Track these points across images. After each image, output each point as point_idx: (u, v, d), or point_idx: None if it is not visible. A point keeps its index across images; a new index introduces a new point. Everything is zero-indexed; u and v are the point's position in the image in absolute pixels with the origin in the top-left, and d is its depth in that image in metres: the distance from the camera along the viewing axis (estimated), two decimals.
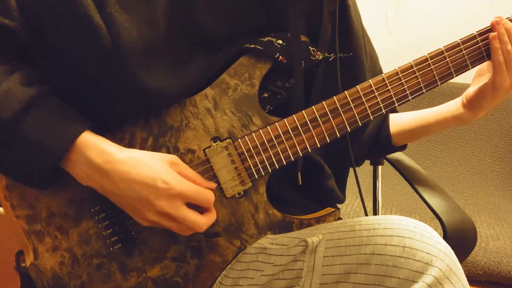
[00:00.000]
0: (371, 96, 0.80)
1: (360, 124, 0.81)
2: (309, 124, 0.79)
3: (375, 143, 1.03)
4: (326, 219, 0.84)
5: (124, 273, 0.77)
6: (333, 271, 0.73)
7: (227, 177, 0.78)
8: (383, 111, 0.81)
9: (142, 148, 0.75)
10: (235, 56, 0.80)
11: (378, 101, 0.81)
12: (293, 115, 0.79)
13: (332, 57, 0.89)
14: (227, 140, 0.78)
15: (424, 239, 0.69)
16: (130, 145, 0.75)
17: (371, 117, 0.81)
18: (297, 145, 0.79)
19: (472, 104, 0.91)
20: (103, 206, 0.75)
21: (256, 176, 0.79)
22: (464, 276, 0.69)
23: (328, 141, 0.80)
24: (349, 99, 0.80)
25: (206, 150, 0.77)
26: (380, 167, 1.20)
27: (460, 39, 0.84)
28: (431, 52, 0.83)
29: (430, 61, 0.82)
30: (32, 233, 0.73)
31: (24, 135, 0.66)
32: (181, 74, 0.75)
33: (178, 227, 0.71)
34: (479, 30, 0.85)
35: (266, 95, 0.82)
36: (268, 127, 0.79)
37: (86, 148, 0.68)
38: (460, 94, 0.95)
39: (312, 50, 0.82)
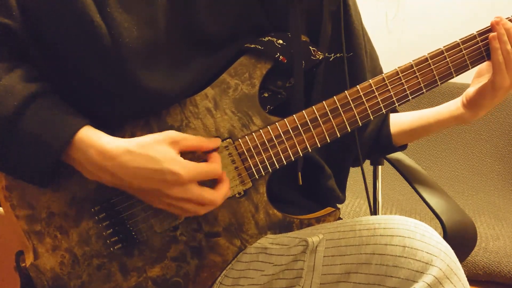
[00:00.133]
0: (371, 96, 0.81)
1: (360, 124, 0.81)
2: (309, 124, 0.79)
3: (375, 143, 1.03)
4: (326, 219, 0.84)
5: (124, 273, 0.77)
6: (333, 271, 0.73)
7: (228, 177, 0.78)
8: (383, 111, 0.81)
9: None
10: (235, 56, 0.80)
11: (378, 101, 0.81)
12: (294, 115, 0.79)
13: (333, 57, 0.89)
14: (228, 140, 0.78)
15: (424, 239, 0.69)
16: None
17: (371, 117, 0.81)
18: (297, 145, 0.79)
19: (472, 104, 0.91)
20: (103, 206, 0.75)
21: (257, 176, 0.79)
22: (464, 276, 0.69)
23: (329, 141, 0.80)
24: (349, 99, 0.80)
25: None
26: (380, 167, 1.20)
27: (460, 39, 0.84)
28: (431, 52, 0.83)
29: (430, 61, 0.82)
30: (32, 233, 0.73)
31: (23, 130, 0.66)
32: (181, 74, 0.75)
33: (193, 207, 0.71)
34: (479, 30, 0.85)
35: (266, 95, 0.82)
36: (268, 127, 0.79)
37: (84, 146, 0.67)
38: (460, 94, 0.95)
39: (313, 50, 0.82)
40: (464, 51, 0.84)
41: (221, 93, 0.79)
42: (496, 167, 2.04)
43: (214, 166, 0.72)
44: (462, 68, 0.84)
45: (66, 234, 0.74)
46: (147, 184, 0.67)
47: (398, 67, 0.82)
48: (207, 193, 0.70)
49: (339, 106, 0.80)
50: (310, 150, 0.80)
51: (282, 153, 0.79)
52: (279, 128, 0.78)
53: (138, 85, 0.70)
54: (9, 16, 0.67)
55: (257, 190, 0.80)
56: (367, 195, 0.92)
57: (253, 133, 0.78)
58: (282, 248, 0.77)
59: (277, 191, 0.86)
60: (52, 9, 0.67)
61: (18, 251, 0.77)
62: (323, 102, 0.79)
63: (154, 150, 0.67)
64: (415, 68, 0.82)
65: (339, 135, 0.80)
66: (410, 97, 0.82)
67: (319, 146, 0.80)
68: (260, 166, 0.79)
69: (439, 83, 0.83)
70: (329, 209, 0.85)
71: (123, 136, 0.74)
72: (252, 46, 0.79)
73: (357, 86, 0.80)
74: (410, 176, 1.08)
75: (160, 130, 0.76)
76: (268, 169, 0.79)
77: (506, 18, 0.85)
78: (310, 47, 0.82)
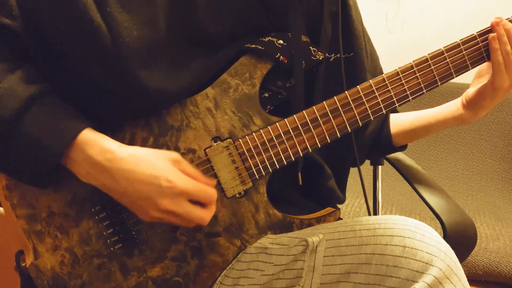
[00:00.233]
0: (372, 96, 0.81)
1: (361, 124, 0.81)
2: (309, 124, 0.79)
3: (375, 143, 1.03)
4: (327, 219, 0.84)
5: (125, 273, 0.77)
6: (333, 271, 0.73)
7: (228, 177, 0.78)
8: (384, 111, 0.81)
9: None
10: (236, 56, 0.80)
11: (378, 101, 0.81)
12: (294, 115, 0.79)
13: (333, 57, 0.89)
14: (228, 140, 0.78)
15: (424, 239, 0.69)
16: (130, 144, 0.75)
17: (372, 117, 0.81)
18: (297, 145, 0.79)
19: (471, 104, 0.91)
20: (104, 206, 0.75)
21: (257, 176, 0.79)
22: (464, 276, 0.69)
23: (329, 141, 0.80)
24: (350, 99, 0.80)
25: (207, 150, 0.78)
26: (380, 167, 1.20)
27: (460, 40, 0.84)
28: (431, 53, 0.83)
29: (430, 62, 0.82)
30: (32, 233, 0.73)
31: (24, 132, 0.66)
32: (181, 74, 0.75)
33: (181, 222, 0.71)
34: (479, 31, 0.85)
35: (266, 95, 0.82)
36: (268, 127, 0.79)
37: (87, 146, 0.67)
38: (460, 94, 0.95)
39: (313, 50, 0.82)
40: (464, 52, 0.84)
41: (221, 93, 0.79)
42: (496, 167, 2.04)
43: (210, 189, 0.72)
44: (462, 68, 0.84)
45: (67, 233, 0.74)
46: (141, 188, 0.67)
47: (398, 68, 0.82)
48: (196, 211, 0.70)
49: (339, 106, 0.80)
50: (310, 150, 0.80)
51: (283, 153, 0.79)
52: (279, 128, 0.79)
53: (138, 85, 0.70)
54: (9, 16, 0.67)
55: (258, 190, 0.80)
56: (365, 196, 0.92)
57: (254, 133, 0.78)
58: (282, 248, 0.77)
59: (278, 191, 0.86)
60: (53, 9, 0.67)
61: (18, 251, 0.77)
62: (324, 102, 0.79)
63: (156, 158, 0.69)
64: (415, 69, 0.82)
65: (339, 135, 0.80)
66: (410, 98, 0.82)
67: (319, 146, 0.80)
68: (260, 166, 0.79)
69: (439, 83, 0.83)
70: (329, 209, 0.85)
71: (123, 136, 0.75)
72: (253, 46, 0.79)
73: (358, 86, 0.80)
74: (410, 176, 1.08)
75: (161, 129, 0.76)
76: (269, 169, 0.79)
77: (506, 19, 0.85)
78: (311, 47, 0.82)
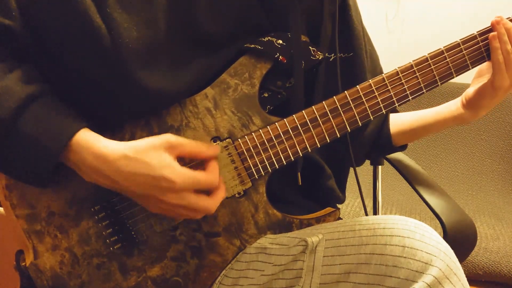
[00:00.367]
0: (371, 96, 0.80)
1: (360, 124, 0.81)
2: (309, 124, 0.79)
3: (375, 143, 1.03)
4: (326, 219, 0.84)
5: (124, 273, 0.77)
6: (333, 271, 0.73)
7: (227, 176, 0.78)
8: (383, 111, 0.81)
9: None
10: (235, 56, 0.80)
11: (378, 101, 0.81)
12: (293, 115, 0.79)
13: (333, 57, 0.89)
14: (227, 139, 0.78)
15: (424, 239, 0.69)
16: None
17: (371, 117, 0.81)
18: (297, 145, 0.79)
19: (471, 104, 0.91)
20: (103, 206, 0.75)
21: (256, 176, 0.79)
22: (464, 276, 0.69)
23: (328, 141, 0.80)
24: (349, 99, 0.80)
25: None
26: (380, 167, 1.20)
27: (460, 39, 0.84)
28: (431, 52, 0.83)
29: (430, 61, 0.82)
30: (32, 233, 0.73)
31: (21, 133, 0.65)
32: (181, 74, 0.75)
33: (188, 213, 0.71)
34: (480, 30, 0.85)
35: (266, 95, 0.82)
36: (268, 127, 0.79)
37: (81, 149, 0.67)
38: (460, 94, 0.95)
39: (313, 50, 0.82)
40: (464, 51, 0.84)
41: (221, 93, 0.79)
42: (496, 167, 2.04)
43: (211, 177, 0.71)
44: (462, 68, 0.84)
45: (66, 233, 0.74)
46: (142, 189, 0.67)
47: (398, 67, 0.82)
48: (202, 201, 0.70)
49: (339, 106, 0.79)
50: (309, 150, 0.80)
51: (282, 153, 0.79)
52: (278, 128, 0.78)
53: (138, 85, 0.70)
54: (9, 16, 0.67)
55: (257, 190, 0.80)
56: (361, 195, 0.92)
57: (253, 133, 0.78)
58: (282, 248, 0.77)
59: (277, 191, 0.86)
60: (52, 10, 0.67)
61: (18, 251, 0.77)
62: (323, 102, 0.79)
63: (150, 156, 0.66)
64: (415, 68, 0.82)
65: (339, 135, 0.80)
66: (410, 97, 0.82)
67: (318, 146, 0.80)
68: (259, 166, 0.79)
69: (439, 83, 0.83)
70: (329, 209, 0.85)
71: (123, 136, 0.75)
72: (252, 46, 0.79)
73: (357, 86, 0.80)
74: (410, 176, 1.08)
75: (160, 130, 0.76)
76: (268, 169, 0.79)
77: (507, 18, 0.85)
78: (310, 47, 0.82)
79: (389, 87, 0.81)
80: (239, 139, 0.78)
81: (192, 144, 0.71)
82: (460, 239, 0.91)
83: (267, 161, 0.79)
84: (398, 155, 1.15)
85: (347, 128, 0.80)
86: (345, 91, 0.80)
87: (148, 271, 0.78)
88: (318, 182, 0.90)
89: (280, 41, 0.80)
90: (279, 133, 0.79)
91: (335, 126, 0.80)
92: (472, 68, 0.85)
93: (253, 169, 0.78)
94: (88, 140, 0.67)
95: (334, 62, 0.88)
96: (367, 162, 1.15)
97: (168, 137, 0.68)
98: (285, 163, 0.79)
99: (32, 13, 0.68)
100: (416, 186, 1.03)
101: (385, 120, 1.04)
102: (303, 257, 0.74)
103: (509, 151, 2.04)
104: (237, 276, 0.79)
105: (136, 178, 0.66)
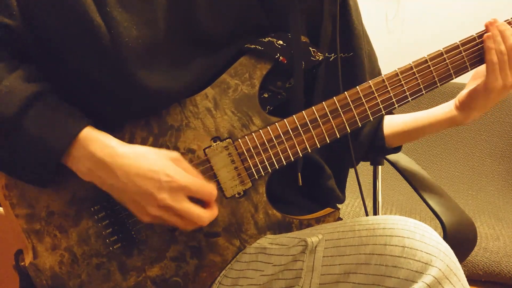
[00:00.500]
0: (371, 97, 0.81)
1: (360, 125, 0.81)
2: (309, 124, 0.79)
3: (372, 144, 1.03)
4: (326, 219, 0.84)
5: (124, 273, 0.77)
6: (332, 271, 0.73)
7: (227, 177, 0.78)
8: (383, 112, 0.81)
9: None
10: (236, 56, 0.80)
11: (378, 102, 0.81)
12: (293, 116, 0.79)
13: (333, 58, 0.89)
14: (227, 140, 0.78)
15: (424, 239, 0.69)
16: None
17: (371, 118, 0.81)
18: (297, 146, 0.79)
19: (464, 106, 0.91)
20: (103, 206, 0.75)
21: (256, 176, 0.79)
22: (464, 276, 0.69)
23: (328, 141, 0.80)
24: (349, 99, 0.80)
25: (206, 150, 0.78)
26: (380, 167, 1.20)
27: (459, 41, 0.84)
28: (431, 54, 0.83)
29: (429, 63, 0.82)
30: (31, 232, 0.73)
31: (25, 131, 0.66)
32: (181, 74, 0.75)
33: (180, 222, 0.70)
34: (478, 32, 0.85)
35: (266, 95, 0.82)
36: (268, 127, 0.79)
37: (89, 142, 0.68)
38: None
39: (313, 50, 0.82)
40: (463, 53, 0.84)
41: (221, 93, 0.79)
42: (496, 167, 2.04)
43: (210, 186, 0.71)
44: (461, 70, 0.84)
45: (66, 233, 0.74)
46: (140, 182, 0.67)
47: (398, 68, 0.82)
48: (196, 210, 0.70)
49: (338, 107, 0.80)
50: (309, 151, 0.80)
51: (282, 154, 0.79)
52: (278, 129, 0.79)
53: (138, 85, 0.70)
54: (9, 16, 0.67)
55: (257, 190, 0.80)
56: (362, 197, 0.92)
57: (253, 133, 0.78)
58: (282, 248, 0.77)
59: (277, 191, 0.86)
60: (52, 9, 0.67)
61: (17, 250, 0.77)
62: (323, 102, 0.79)
63: (156, 155, 0.69)
64: (414, 70, 0.82)
65: (338, 136, 0.80)
66: (409, 98, 0.82)
67: (318, 146, 0.80)
68: (259, 166, 0.79)
69: (438, 84, 0.84)
70: (328, 210, 0.85)
71: (123, 136, 0.75)
72: (252, 46, 0.79)
73: (357, 87, 0.80)
74: (410, 176, 1.08)
75: (160, 129, 0.76)
76: (268, 169, 0.79)
77: (506, 20, 0.85)
78: (310, 48, 0.82)
79: (389, 88, 0.81)
80: (239, 139, 0.78)
81: (194, 169, 0.73)
82: (460, 239, 0.91)
83: (267, 161, 0.79)
84: (398, 155, 1.15)
85: (347, 129, 0.80)
86: (345, 92, 0.80)
87: (148, 271, 0.78)
88: (318, 182, 0.90)
89: (281, 42, 0.80)
90: (279, 133, 0.79)
91: (335, 127, 0.80)
92: (471, 69, 0.86)
93: (253, 169, 0.78)
94: (97, 134, 0.69)
95: (334, 62, 0.88)
96: (367, 162, 1.15)
97: (176, 153, 0.72)
98: (285, 164, 0.79)
99: (33, 12, 0.68)
100: (416, 186, 1.03)
101: (380, 121, 1.03)
102: (303, 257, 0.74)
103: (509, 151, 2.04)
104: (237, 276, 0.79)
105: (136, 170, 0.67)
